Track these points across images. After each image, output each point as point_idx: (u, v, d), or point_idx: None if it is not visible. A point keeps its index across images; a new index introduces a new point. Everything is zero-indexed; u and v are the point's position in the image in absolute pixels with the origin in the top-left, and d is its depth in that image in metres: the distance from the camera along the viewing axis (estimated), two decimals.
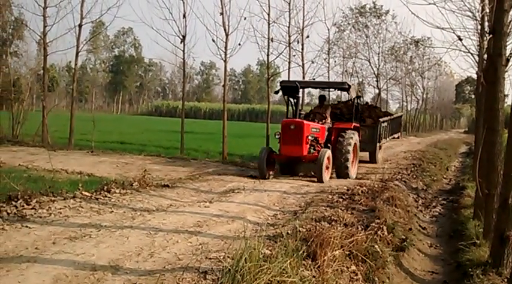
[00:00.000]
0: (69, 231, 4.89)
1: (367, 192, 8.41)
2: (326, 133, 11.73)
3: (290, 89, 11.45)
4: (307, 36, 21.01)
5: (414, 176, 12.94)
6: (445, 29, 7.13)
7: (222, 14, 15.09)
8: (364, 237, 5.02)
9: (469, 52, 8.27)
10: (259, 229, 5.43)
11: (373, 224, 5.91)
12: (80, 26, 16.51)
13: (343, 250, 4.55)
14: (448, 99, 66.80)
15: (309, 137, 10.47)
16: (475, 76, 11.83)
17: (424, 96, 51.46)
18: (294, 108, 11.52)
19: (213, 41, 15.31)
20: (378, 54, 35.65)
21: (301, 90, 12.62)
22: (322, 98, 13.57)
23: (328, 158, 10.45)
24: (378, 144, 14.81)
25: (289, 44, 18.85)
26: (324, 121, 12.03)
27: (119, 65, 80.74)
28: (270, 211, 6.70)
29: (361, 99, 13.97)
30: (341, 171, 11.31)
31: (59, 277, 3.65)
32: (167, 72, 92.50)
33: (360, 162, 13.97)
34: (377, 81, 35.61)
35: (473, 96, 48.49)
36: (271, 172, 10.62)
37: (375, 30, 35.19)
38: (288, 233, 4.97)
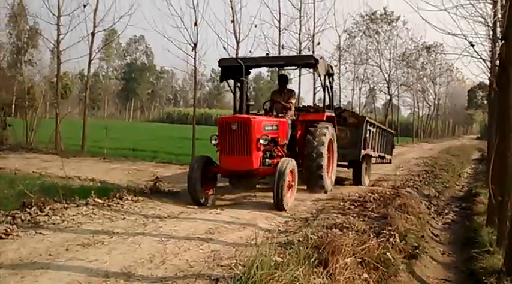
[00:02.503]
0: (82, 238, 4.94)
1: (379, 199, 8.37)
2: (289, 130, 8.73)
3: (234, 71, 8.50)
4: (318, 43, 21.09)
5: (426, 183, 12.85)
6: (456, 35, 7.13)
7: (233, 21, 15.19)
8: (376, 244, 4.99)
9: (481, 58, 8.23)
10: (271, 236, 5.44)
11: (385, 231, 5.88)
12: (93, 34, 16.68)
13: (355, 257, 4.53)
14: (460, 105, 66.37)
15: (261, 140, 7.34)
16: (487, 82, 11.73)
17: (436, 102, 51.19)
18: (239, 97, 8.53)
19: (224, 48, 15.36)
20: (389, 60, 35.61)
21: (249, 70, 9.25)
22: (282, 79, 9.88)
23: (291, 172, 7.37)
24: (362, 152, 10.85)
25: (300, 50, 18.91)
26: (286, 112, 8.98)
27: (131, 72, 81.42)
28: (281, 218, 6.70)
29: (333, 78, 10.42)
30: (313, 182, 8.60)
31: (72, 283, 3.69)
32: (178, 80, 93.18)
33: (340, 183, 10.70)
34: (388, 87, 35.53)
35: (485, 102, 48.10)
36: (210, 194, 7.64)
37: (386, 37, 35.19)
38: (299, 240, 4.97)
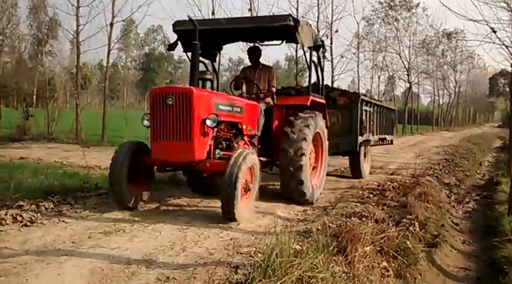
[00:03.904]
0: (104, 226, 5.04)
1: (399, 187, 8.32)
2: (262, 118, 6.96)
3: (193, 37, 5.88)
4: (336, 31, 21.00)
5: (446, 171, 12.71)
6: (478, 21, 7.02)
7: (250, 10, 15.20)
8: (396, 233, 4.98)
9: (503, 44, 8.12)
10: (289, 224, 5.47)
11: (405, 220, 5.85)
12: (112, 24, 16.85)
13: (374, 246, 4.52)
14: (481, 93, 65.36)
15: (208, 121, 5.49)
16: (509, 69, 11.52)
17: (457, 89, 50.52)
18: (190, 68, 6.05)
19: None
20: (409, 47, 35.27)
21: (219, 44, 8.02)
22: (253, 52, 7.68)
23: (250, 169, 5.58)
24: (359, 139, 9.24)
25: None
26: (262, 95, 7.34)
27: (149, 62, 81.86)
28: (299, 207, 6.71)
29: (324, 49, 8.84)
30: (290, 189, 6.64)
31: (95, 270, 3.77)
32: None
33: (332, 175, 9.91)
34: (408, 75, 35.18)
35: (507, 90, 47.25)
36: (143, 194, 5.94)
37: (405, 24, 34.81)
38: (318, 229, 4.99)
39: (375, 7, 33.70)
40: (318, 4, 19.57)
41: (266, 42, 8.29)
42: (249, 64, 7.88)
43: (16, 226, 4.92)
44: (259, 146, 6.87)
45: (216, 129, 5.77)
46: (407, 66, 35.24)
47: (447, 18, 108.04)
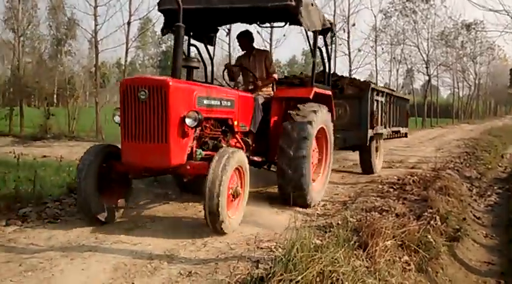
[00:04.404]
0: (126, 222, 5.11)
1: (419, 181, 8.25)
2: (259, 112, 6.16)
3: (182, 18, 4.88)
4: (353, 24, 20.88)
5: (467, 164, 12.54)
6: (498, 11, 6.90)
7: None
8: (417, 227, 4.94)
9: None
10: (309, 219, 5.47)
11: (426, 214, 5.81)
12: (129, 23, 17.02)
13: (395, 240, 4.50)
14: (502, 85, 64.05)
15: (188, 120, 4.65)
16: None
17: (477, 81, 49.72)
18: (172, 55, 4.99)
19: (258, 33, 15.32)
20: (427, 39, 34.82)
21: (215, 26, 7.41)
22: (243, 38, 6.87)
23: (238, 171, 4.90)
24: (369, 133, 8.46)
25: (335, 32, 18.62)
26: (260, 83, 6.63)
27: (167, 60, 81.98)
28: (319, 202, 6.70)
29: (333, 33, 7.98)
30: (290, 191, 5.73)
31: (118, 265, 3.84)
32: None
33: (340, 171, 9.58)
34: (427, 67, 34.76)
35: None
36: (118, 204, 5.15)
37: (423, 15, 34.33)
38: (338, 223, 4.99)
39: (392, 0, 33.31)
40: None
41: (267, 24, 7.54)
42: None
43: (41, 222, 5.03)
44: (253, 145, 6.13)
45: (199, 128, 4.93)
46: (426, 59, 34.81)
47: (466, 9, 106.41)
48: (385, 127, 9.61)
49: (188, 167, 4.80)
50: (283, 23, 7.20)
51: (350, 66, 20.97)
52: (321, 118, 6.31)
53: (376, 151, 9.57)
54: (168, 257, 4.05)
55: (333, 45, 7.65)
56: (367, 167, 9.38)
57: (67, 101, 19.67)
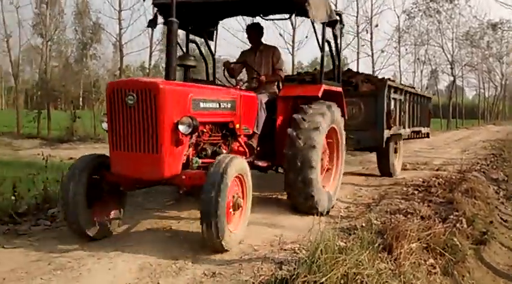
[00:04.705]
0: (152, 222, 5.19)
1: (444, 183, 8.13)
2: (262, 112, 5.73)
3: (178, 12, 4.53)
4: (376, 25, 20.74)
5: (494, 166, 12.30)
6: None
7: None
8: (442, 230, 4.88)
9: None
10: (332, 221, 5.46)
11: (452, 216, 5.73)
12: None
13: (420, 243, 4.46)
14: None
15: (182, 127, 4.18)
16: None
17: (503, 82, 48.66)
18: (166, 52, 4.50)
19: (280, 35, 15.36)
20: (452, 40, 34.32)
21: (214, 19, 6.85)
22: (253, 31, 6.52)
23: (239, 179, 4.41)
24: (386, 134, 7.95)
25: (358, 33, 18.59)
26: (264, 79, 6.10)
27: None
28: (342, 204, 6.67)
29: (341, 25, 6.71)
30: (298, 200, 5.62)
31: (144, 265, 3.90)
32: None
33: (363, 174, 9.21)
34: (451, 68, 34.28)
35: None
36: (112, 216, 4.68)
37: (447, 15, 33.84)
38: (362, 226, 4.96)
39: (416, 0, 32.92)
40: None
41: (271, 17, 6.96)
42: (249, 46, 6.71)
43: None
44: (258, 148, 5.68)
45: (195, 134, 4.48)
46: (450, 59, 34.33)
47: (491, 8, 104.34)
48: (404, 127, 9.14)
49: (184, 177, 4.31)
50: (287, 15, 6.94)
51: (373, 67, 20.82)
52: (330, 119, 5.88)
53: (395, 152, 9.11)
54: (192, 257, 4.09)
55: (342, 38, 6.89)
56: (385, 170, 8.94)
57: (92, 104, 20.06)
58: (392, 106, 8.20)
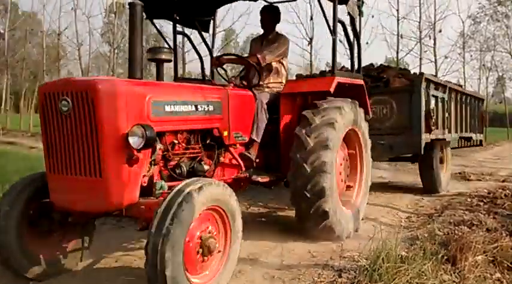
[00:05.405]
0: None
1: (511, 195, 7.77)
2: (263, 114, 4.58)
3: (167, 4, 4.88)
4: (440, 31, 20.11)
5: None
6: None
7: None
8: (510, 243, 4.67)
9: None
10: (393, 231, 5.35)
11: None
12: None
13: (486, 255, 4.29)
14: None
15: (132, 139, 3.04)
16: None
17: None
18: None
19: (340, 41, 15.26)
20: None
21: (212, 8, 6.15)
22: (266, 13, 5.43)
23: (218, 211, 3.21)
24: (425, 138, 6.58)
25: (420, 39, 18.16)
26: (268, 78, 5.18)
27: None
28: (403, 214, 6.54)
29: (361, 2, 5.34)
30: (309, 222, 4.57)
31: None
32: (293, 75, 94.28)
33: (389, 188, 8.09)
34: None
35: None
36: (70, 249, 3.71)
37: None
38: (424, 236, 4.84)
39: (482, 4, 31.59)
40: (420, 4, 18.87)
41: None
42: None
43: (133, 222, 5.28)
44: (257, 160, 4.56)
45: (157, 148, 3.41)
46: None
47: None
48: (449, 132, 7.72)
49: (142, 208, 3.16)
50: None
51: (436, 73, 20.16)
52: (348, 118, 4.75)
53: (441, 163, 7.74)
54: (251, 260, 4.15)
55: (360, 18, 5.31)
56: (428, 183, 7.57)
57: None
58: (432, 105, 6.86)
